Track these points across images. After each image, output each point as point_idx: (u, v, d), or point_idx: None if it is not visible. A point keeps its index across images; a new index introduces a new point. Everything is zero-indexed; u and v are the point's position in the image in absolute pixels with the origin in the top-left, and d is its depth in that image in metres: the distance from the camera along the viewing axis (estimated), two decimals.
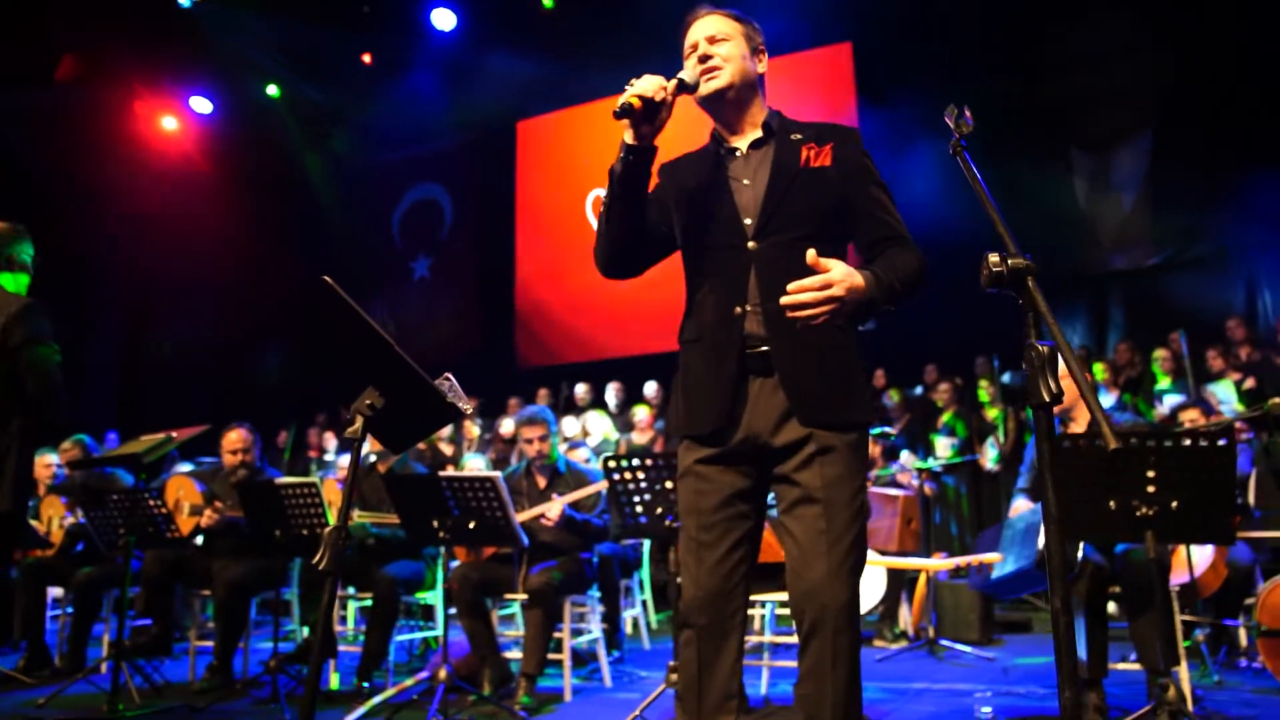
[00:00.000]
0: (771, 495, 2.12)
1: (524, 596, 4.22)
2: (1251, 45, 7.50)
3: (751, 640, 4.23)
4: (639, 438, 8.24)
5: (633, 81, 1.90)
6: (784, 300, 1.77)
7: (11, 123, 9.81)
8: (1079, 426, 3.78)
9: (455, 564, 4.50)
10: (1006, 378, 7.96)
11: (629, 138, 1.95)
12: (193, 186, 11.53)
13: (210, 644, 4.60)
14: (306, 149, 11.86)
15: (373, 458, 4.87)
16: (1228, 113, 7.60)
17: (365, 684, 4.27)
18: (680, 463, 2.06)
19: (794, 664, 4.11)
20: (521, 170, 11.34)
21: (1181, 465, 2.89)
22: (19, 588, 5.19)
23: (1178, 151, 8.02)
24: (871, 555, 4.64)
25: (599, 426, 8.60)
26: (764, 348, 1.97)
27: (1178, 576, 3.91)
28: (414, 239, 12.09)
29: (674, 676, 3.45)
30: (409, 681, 4.22)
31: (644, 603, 6.02)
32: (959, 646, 5.13)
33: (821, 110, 8.84)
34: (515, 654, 4.44)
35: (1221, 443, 2.86)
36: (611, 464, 3.82)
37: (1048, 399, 1.37)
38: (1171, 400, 6.67)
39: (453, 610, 4.25)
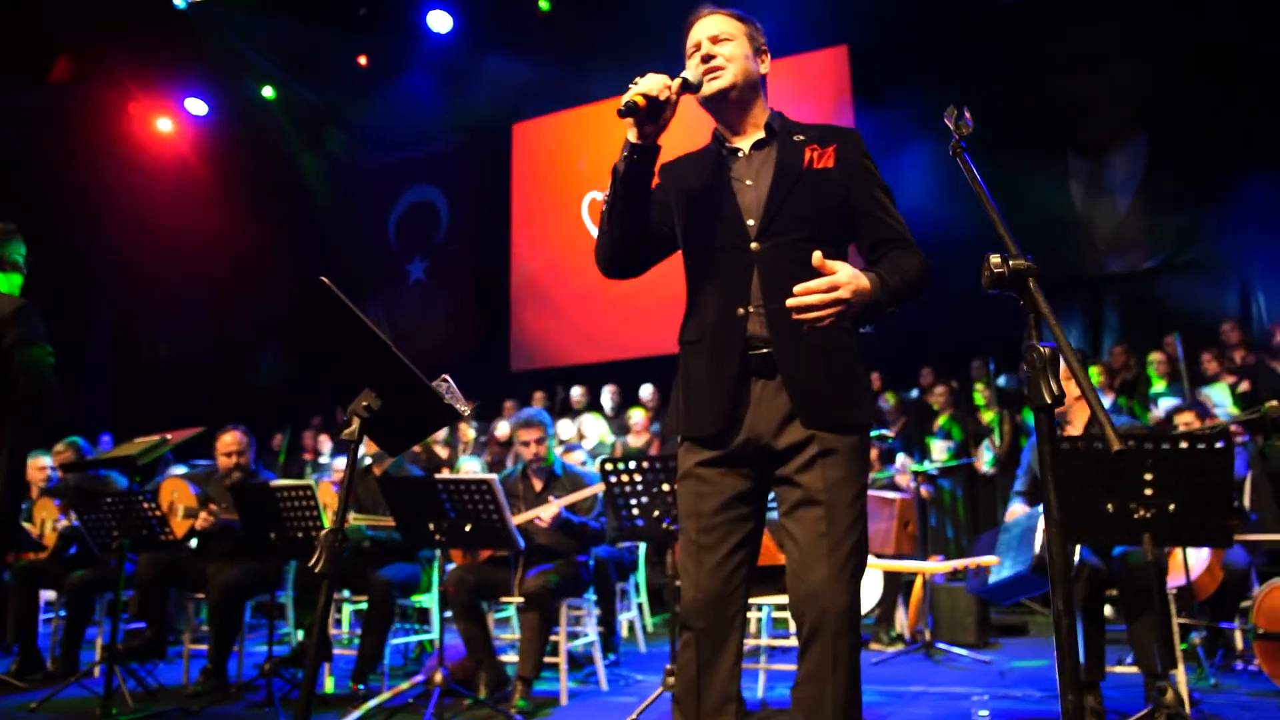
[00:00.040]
0: (770, 497, 2.11)
1: (520, 599, 4.20)
2: (1247, 49, 7.52)
3: (748, 644, 4.21)
4: (634, 441, 8.23)
5: (637, 80, 1.90)
6: (790, 302, 1.77)
7: (7, 123, 9.78)
8: (1075, 429, 3.78)
9: (451, 567, 4.49)
10: (1002, 381, 7.97)
11: (633, 136, 1.94)
12: (188, 188, 11.49)
13: (204, 647, 4.58)
14: (302, 151, 11.84)
15: (368, 460, 4.85)
16: (1223, 116, 7.62)
17: (360, 687, 4.25)
18: (680, 465, 2.05)
19: (791, 667, 4.11)
20: (517, 173, 11.34)
21: (1179, 468, 2.90)
22: (11, 591, 5.16)
23: (1173, 155, 8.04)
24: (868, 558, 4.64)
25: (594, 429, 8.60)
26: (766, 349, 1.96)
27: (1174, 579, 3.91)
28: (410, 241, 12.08)
29: (671, 680, 3.45)
30: (404, 685, 4.19)
31: (640, 606, 6.01)
32: (955, 650, 5.13)
33: (818, 113, 8.85)
34: (511, 657, 4.42)
35: (1219, 445, 2.86)
36: (608, 467, 3.81)
37: (1049, 401, 1.36)
38: (1166, 403, 6.68)
39: (448, 613, 4.24)
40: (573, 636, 4.82)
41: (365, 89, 11.01)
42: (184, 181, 11.50)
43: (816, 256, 1.77)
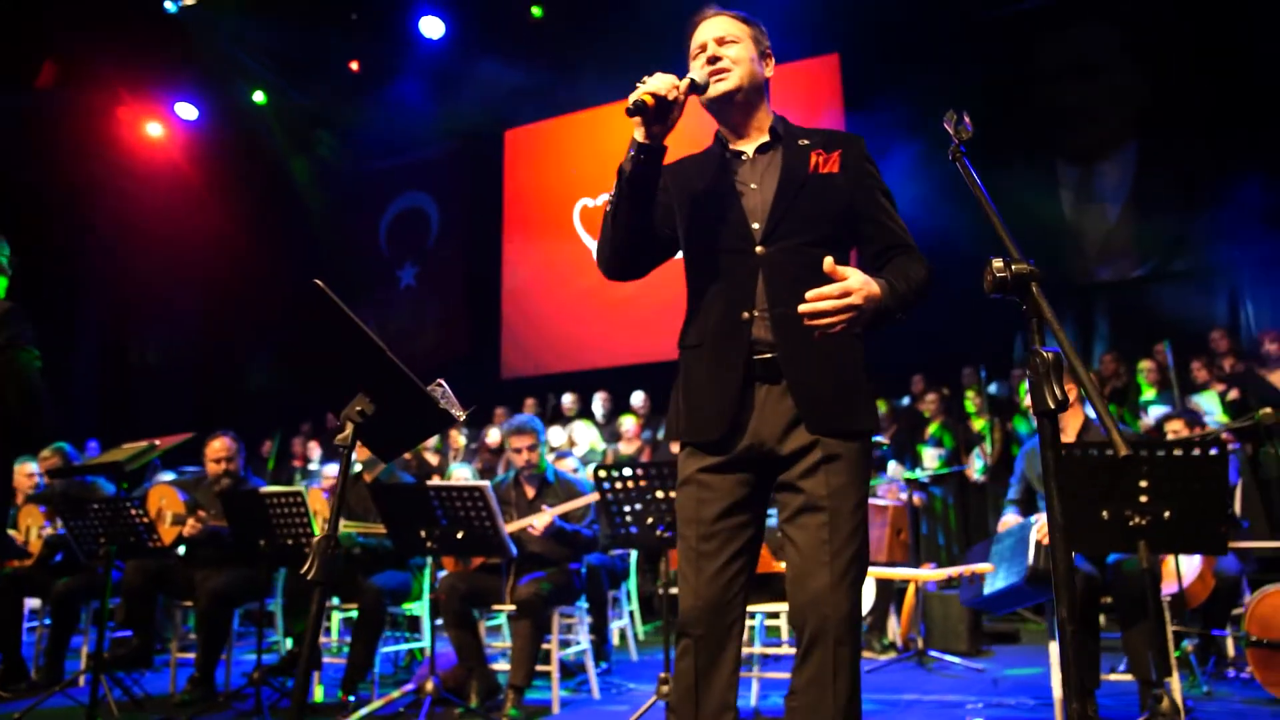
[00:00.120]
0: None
1: (512, 607, 4.17)
2: (1237, 57, 7.58)
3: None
4: (626, 448, 8.21)
5: (644, 79, 1.88)
6: (803, 308, 1.76)
7: None
8: (1068, 436, 3.78)
9: (442, 574, 4.46)
10: (993, 388, 7.98)
11: (640, 136, 1.92)
12: (178, 193, 11.44)
13: (192, 656, 4.53)
14: (293, 156, 11.79)
15: (358, 467, 4.82)
16: (1212, 125, 7.68)
17: (351, 698, 4.20)
18: (681, 470, 2.03)
19: (784, 675, 4.09)
20: (509, 179, 11.32)
21: (1174, 475, 2.90)
22: None
23: (1162, 163, 8.09)
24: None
25: (585, 436, 8.57)
26: (771, 354, 1.95)
27: (1166, 587, 3.92)
28: (401, 247, 12.04)
29: (665, 688, 3.43)
30: (395, 694, 4.16)
31: (631, 614, 5.98)
32: (948, 657, 5.12)
33: (808, 121, 8.85)
34: (502, 665, 4.39)
35: (1214, 452, 2.86)
36: (602, 474, 3.79)
37: (1053, 406, 1.35)
38: (1156, 411, 6.70)
39: (439, 621, 4.20)
40: (564, 644, 4.79)
41: (357, 94, 10.98)
42: (174, 186, 11.44)
43: (828, 262, 1.76)
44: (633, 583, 6.04)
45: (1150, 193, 8.18)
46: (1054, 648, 3.68)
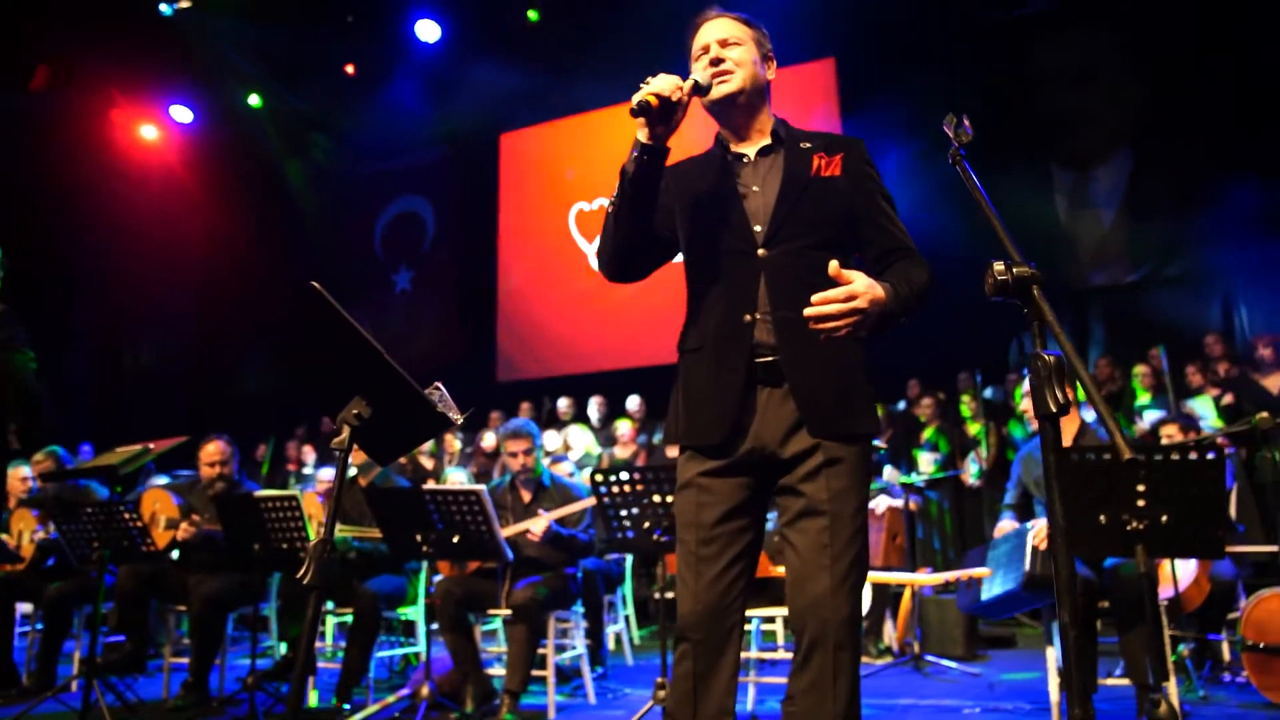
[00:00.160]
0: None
1: (508, 612, 4.16)
2: (1231, 64, 7.61)
3: None
4: (621, 452, 8.20)
5: (648, 80, 1.88)
6: (809, 311, 1.75)
7: None
8: (1065, 440, 3.78)
9: (438, 578, 4.44)
10: (988, 393, 7.99)
11: (643, 136, 1.91)
12: (173, 196, 11.41)
13: (185, 660, 4.50)
14: (288, 159, 11.78)
15: (353, 471, 4.80)
16: (1206, 131, 7.70)
17: (345, 705, 4.18)
18: (681, 474, 2.02)
19: (781, 680, 4.08)
20: (504, 183, 11.31)
21: (1171, 479, 2.90)
22: None
23: (1156, 169, 8.12)
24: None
25: (581, 441, 8.57)
26: (773, 356, 1.94)
27: (1162, 591, 3.91)
28: (396, 251, 12.02)
29: (661, 693, 3.41)
30: (390, 699, 4.14)
31: (627, 618, 5.96)
32: (944, 662, 5.11)
33: (804, 125, 8.87)
34: (498, 670, 4.37)
35: (1211, 457, 2.86)
36: (599, 478, 3.78)
37: (1055, 409, 1.35)
38: (1151, 416, 6.71)
39: (434, 626, 4.19)
40: (560, 649, 4.77)
41: (352, 98, 10.97)
42: (169, 189, 11.42)
43: (833, 266, 1.76)
44: (628, 587, 6.03)
45: (1144, 198, 8.21)
46: (1051, 653, 3.68)
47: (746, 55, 2.04)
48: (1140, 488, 2.91)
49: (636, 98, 1.85)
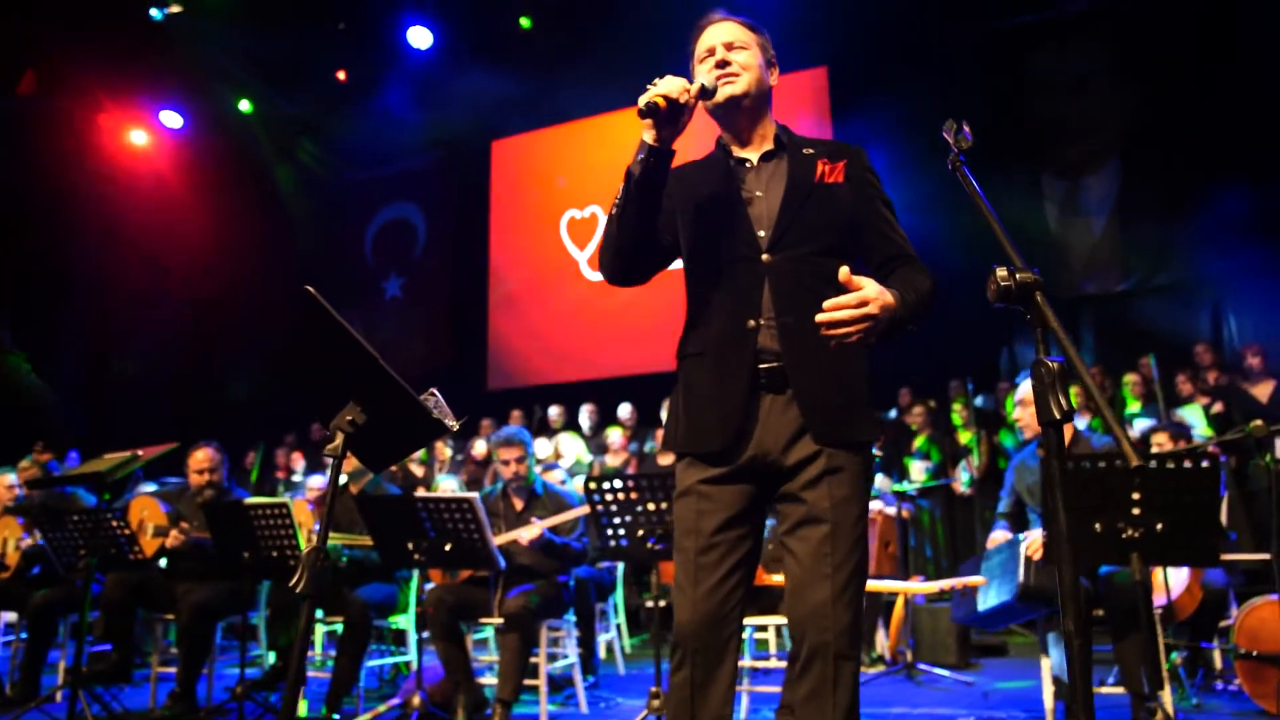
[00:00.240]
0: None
1: (500, 620, 4.13)
2: (1220, 75, 7.67)
3: None
4: (612, 460, 8.18)
5: (655, 81, 1.87)
6: (820, 317, 1.74)
7: None
8: None
9: (430, 586, 4.41)
10: (980, 401, 8.00)
11: (649, 138, 1.90)
12: (162, 202, 11.34)
13: (173, 670, 4.45)
14: (279, 165, 11.73)
15: (344, 478, 4.76)
16: (1195, 141, 7.75)
17: (335, 715, 4.13)
18: (680, 481, 2.00)
19: (774, 689, 4.06)
20: (496, 190, 11.30)
21: (1167, 487, 2.90)
22: None
23: (1146, 178, 8.17)
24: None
25: (572, 449, 8.53)
26: (777, 362, 1.93)
27: (1155, 599, 3.91)
28: (387, 258, 11.98)
29: (656, 703, 3.39)
30: (381, 708, 4.11)
31: (618, 627, 5.93)
32: (937, 670, 5.10)
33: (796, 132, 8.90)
34: (489, 679, 4.34)
35: (1205, 465, 2.87)
36: (592, 485, 3.76)
37: (1058, 416, 1.34)
38: (1142, 424, 6.74)
39: (426, 634, 4.15)
40: (552, 658, 4.74)
41: (344, 104, 10.94)
42: (158, 195, 11.35)
43: (844, 271, 1.75)
44: (619, 595, 6.00)
45: (1134, 207, 8.26)
46: (1046, 663, 3.67)
47: (752, 59, 2.04)
48: (1135, 496, 2.91)
49: (644, 99, 1.84)
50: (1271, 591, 3.99)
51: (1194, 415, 6.81)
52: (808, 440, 1.91)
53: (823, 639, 1.83)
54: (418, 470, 8.60)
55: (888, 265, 2.01)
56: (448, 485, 6.60)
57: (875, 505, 5.92)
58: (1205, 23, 7.82)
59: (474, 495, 3.81)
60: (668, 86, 1.86)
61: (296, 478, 9.12)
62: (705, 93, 1.96)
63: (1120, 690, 3.59)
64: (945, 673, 5.07)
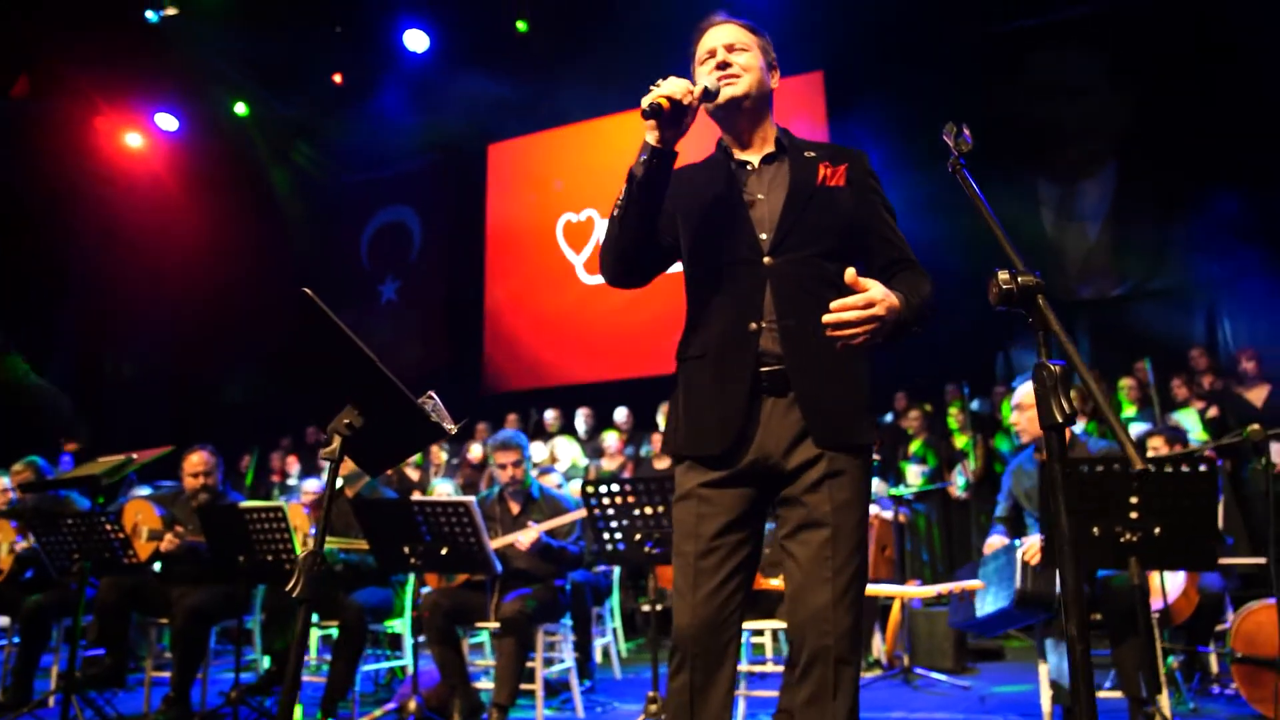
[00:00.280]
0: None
1: (496, 624, 4.11)
2: (1216, 80, 7.69)
3: None
4: (608, 464, 8.17)
5: (659, 82, 1.87)
6: (828, 318, 1.74)
7: None
8: None
9: (426, 590, 4.39)
10: (975, 405, 8.01)
11: (653, 139, 1.89)
12: (157, 204, 11.31)
13: (167, 674, 4.42)
14: (274, 168, 11.71)
15: (339, 482, 4.74)
16: (1189, 147, 7.77)
17: (330, 719, 4.11)
18: (680, 485, 1.99)
19: (771, 694, 4.05)
20: (492, 194, 11.28)
21: (1165, 491, 2.90)
22: None
23: (1141, 183, 8.19)
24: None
25: (567, 452, 8.52)
26: (779, 365, 1.92)
27: (1151, 603, 3.91)
28: (382, 261, 11.96)
29: (653, 707, 3.38)
30: (376, 713, 4.09)
31: (614, 631, 5.92)
32: (934, 675, 5.10)
33: None
34: (485, 684, 4.32)
35: (1203, 469, 2.87)
36: (589, 489, 3.75)
37: (1060, 419, 1.34)
38: (1137, 428, 6.74)
39: (422, 638, 4.14)
40: (548, 663, 4.73)
41: (340, 107, 10.93)
42: (154, 197, 11.32)
43: (850, 273, 1.75)
44: (615, 599, 5.98)
45: (1129, 211, 8.28)
46: (1043, 667, 3.67)
47: (753, 61, 2.03)
48: (1133, 500, 2.91)
49: (648, 99, 1.84)
50: (1268, 595, 3.99)
51: (1189, 419, 6.82)
52: (809, 444, 1.91)
53: (823, 643, 1.82)
54: (413, 474, 8.57)
55: (889, 269, 2.00)
56: (443, 489, 6.58)
57: (871, 509, 5.92)
58: (1201, 27, 7.85)
59: (471, 499, 3.80)
60: (671, 87, 1.86)
61: (291, 481, 9.08)
62: (708, 94, 1.95)
63: (1117, 695, 3.58)
64: (942, 677, 5.06)
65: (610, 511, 3.71)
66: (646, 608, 6.95)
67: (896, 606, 5.45)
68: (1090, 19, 8.42)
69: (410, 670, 3.98)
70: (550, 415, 9.12)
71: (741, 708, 4.12)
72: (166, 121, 11.14)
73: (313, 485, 6.83)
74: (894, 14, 8.66)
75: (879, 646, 5.64)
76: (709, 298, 2.01)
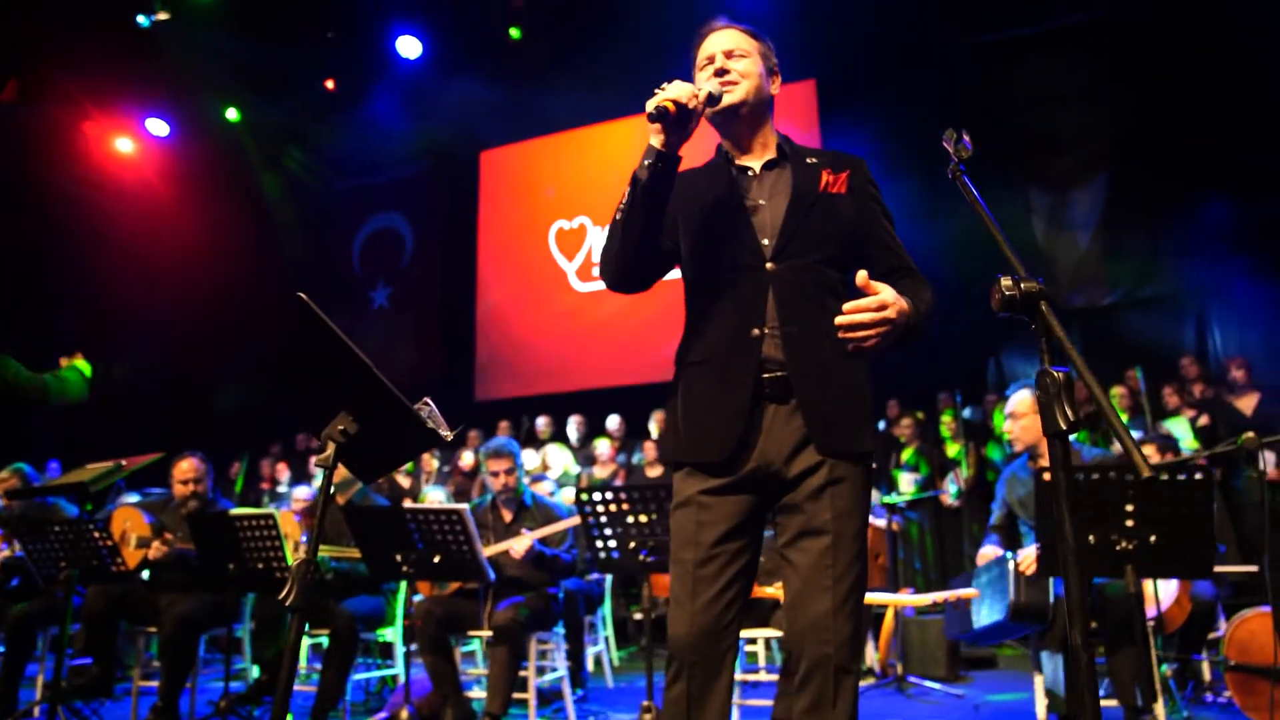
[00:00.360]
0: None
1: (489, 633, 4.08)
2: (1205, 91, 7.74)
3: None
4: (600, 471, 8.15)
5: (664, 86, 1.86)
6: (840, 320, 1.74)
7: None
8: (1048, 460, 3.78)
9: (418, 598, 4.36)
10: (967, 413, 8.02)
11: (657, 143, 1.87)
12: (147, 210, 11.25)
13: (155, 684, 4.37)
14: (266, 174, 11.67)
15: (330, 489, 4.70)
16: (1179, 157, 7.82)
17: None
18: (678, 492, 1.98)
19: (765, 703, 4.02)
20: (484, 201, 11.27)
21: (1160, 500, 2.90)
22: None
23: (1132, 193, 8.23)
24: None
25: (559, 460, 8.50)
26: (781, 372, 1.91)
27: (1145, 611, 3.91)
28: (374, 267, 11.93)
29: (648, 716, 3.35)
30: None
31: (607, 639, 5.89)
32: (927, 683, 5.08)
33: None
34: (477, 693, 4.29)
35: (1199, 477, 2.87)
36: (584, 497, 3.73)
37: (1064, 426, 1.33)
38: None
39: (413, 647, 4.10)
40: (540, 671, 4.69)
41: (332, 113, 10.90)
42: (144, 203, 11.26)
43: (861, 276, 1.75)
44: (607, 607, 5.95)
45: (1120, 220, 8.32)
46: (1038, 679, 3.66)
47: (752, 67, 2.02)
48: (1129, 508, 2.91)
49: (653, 103, 1.83)
50: (1260, 603, 4.00)
51: (1180, 428, 6.84)
52: (811, 451, 1.90)
53: (823, 651, 1.81)
54: (405, 481, 8.53)
55: (890, 277, 1.99)
56: (435, 496, 6.55)
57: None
58: (1194, 35, 7.90)
59: (463, 507, 3.78)
60: (677, 91, 1.85)
61: (281, 488, 9.03)
62: (712, 99, 1.95)
63: (1113, 703, 3.57)
64: (935, 685, 5.05)
65: (604, 519, 3.69)
66: (639, 616, 6.92)
67: (889, 615, 5.44)
68: (1083, 28, 8.47)
69: (402, 679, 3.95)
70: (542, 422, 9.10)
71: (735, 717, 4.10)
72: (157, 127, 11.09)
73: (303, 492, 6.78)
74: (885, 23, 8.70)
75: (872, 655, 5.63)
76: (710, 303, 2.00)
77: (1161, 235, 8.04)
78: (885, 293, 1.75)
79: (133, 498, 5.95)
